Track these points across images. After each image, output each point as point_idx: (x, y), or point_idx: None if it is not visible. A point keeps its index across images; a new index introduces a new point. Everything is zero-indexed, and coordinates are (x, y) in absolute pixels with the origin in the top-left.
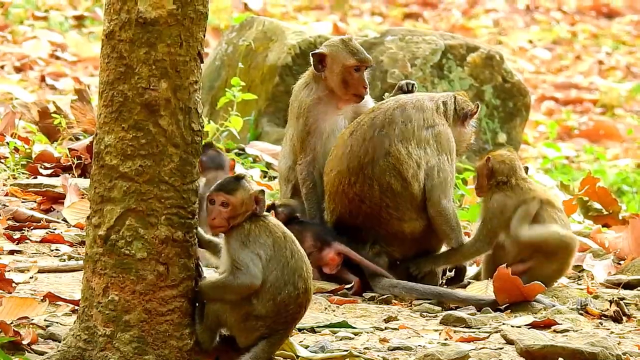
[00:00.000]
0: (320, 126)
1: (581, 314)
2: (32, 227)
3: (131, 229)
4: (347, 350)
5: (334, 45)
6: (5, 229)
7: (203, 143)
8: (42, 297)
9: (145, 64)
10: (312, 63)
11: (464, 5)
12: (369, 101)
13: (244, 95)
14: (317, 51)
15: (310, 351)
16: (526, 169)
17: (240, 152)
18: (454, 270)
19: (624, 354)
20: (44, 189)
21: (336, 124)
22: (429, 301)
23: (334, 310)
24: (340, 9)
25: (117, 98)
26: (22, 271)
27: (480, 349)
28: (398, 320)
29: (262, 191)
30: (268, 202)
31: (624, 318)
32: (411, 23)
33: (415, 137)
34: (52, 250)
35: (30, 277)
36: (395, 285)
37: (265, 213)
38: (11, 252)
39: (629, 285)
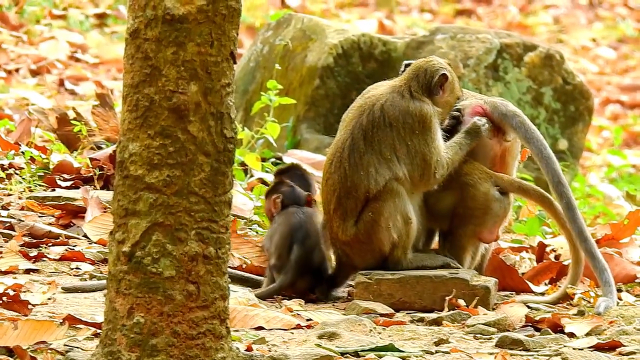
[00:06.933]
0: (440, 139)
1: None
2: (50, 244)
3: (158, 245)
4: None
5: (447, 67)
6: (21, 245)
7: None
8: (61, 320)
9: (173, 65)
10: (434, 83)
11: (521, 1)
12: None
13: (281, 100)
14: (444, 72)
15: None
16: None
17: (278, 161)
18: None
19: None
20: (63, 202)
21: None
22: (481, 322)
23: (379, 333)
24: (386, 6)
25: (142, 102)
26: (39, 292)
27: None
28: (450, 343)
29: None
30: None
31: None
32: (463, 20)
33: None
34: (72, 269)
35: (49, 298)
36: None
37: None
38: (27, 271)
39: None
